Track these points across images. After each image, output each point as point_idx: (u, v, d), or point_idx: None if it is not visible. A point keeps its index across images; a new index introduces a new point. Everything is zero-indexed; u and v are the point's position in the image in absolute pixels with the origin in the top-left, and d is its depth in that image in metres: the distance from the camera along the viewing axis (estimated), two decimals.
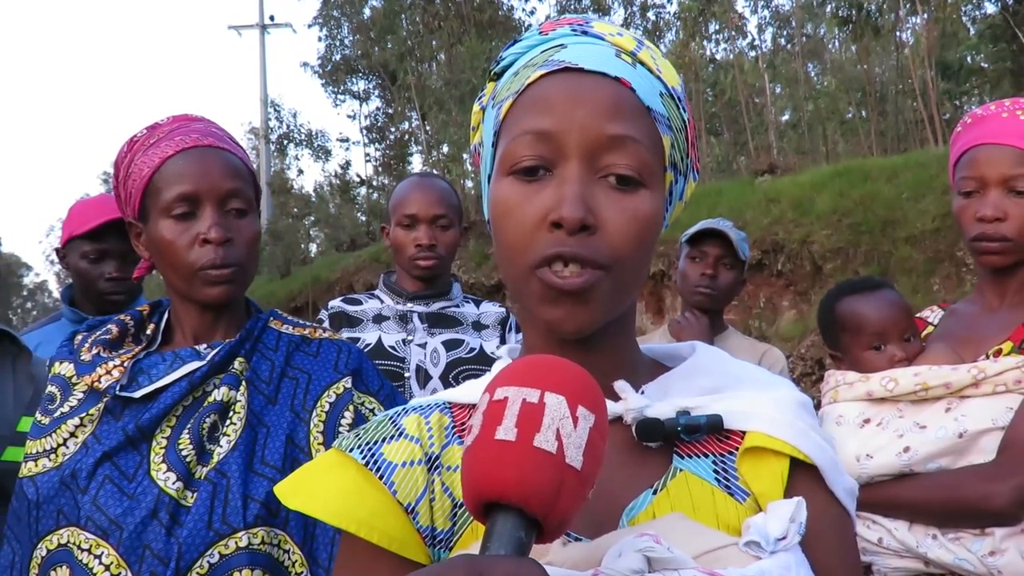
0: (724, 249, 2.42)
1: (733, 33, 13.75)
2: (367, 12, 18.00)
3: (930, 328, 1.73)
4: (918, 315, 1.77)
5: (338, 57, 19.60)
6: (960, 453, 1.45)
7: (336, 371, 1.33)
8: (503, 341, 2.26)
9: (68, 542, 1.18)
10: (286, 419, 1.26)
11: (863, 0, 10.52)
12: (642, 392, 0.78)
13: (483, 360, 2.19)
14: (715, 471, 0.75)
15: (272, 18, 22.01)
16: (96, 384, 1.26)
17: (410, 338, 2.21)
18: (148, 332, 1.36)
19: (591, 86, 0.73)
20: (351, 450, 0.77)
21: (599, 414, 0.61)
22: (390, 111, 18.91)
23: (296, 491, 0.77)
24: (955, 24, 11.36)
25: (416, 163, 18.34)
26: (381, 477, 0.75)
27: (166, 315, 1.38)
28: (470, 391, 0.82)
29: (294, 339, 1.37)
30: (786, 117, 15.41)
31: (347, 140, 20.40)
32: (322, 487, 0.77)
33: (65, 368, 1.32)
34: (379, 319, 2.26)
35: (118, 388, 1.25)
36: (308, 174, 45.81)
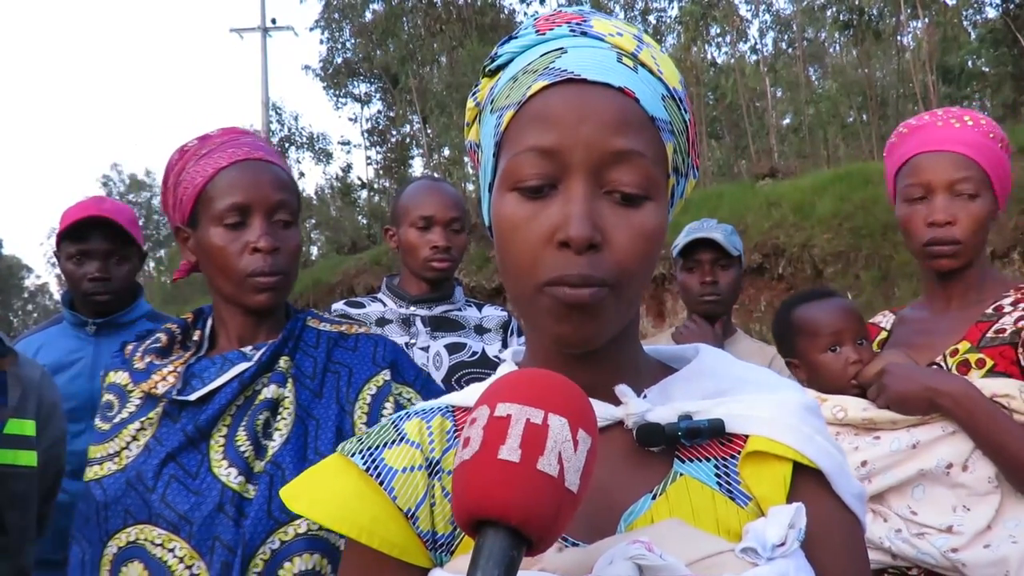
0: (716, 251, 2.42)
1: (734, 37, 13.78)
2: (368, 15, 18.05)
3: (883, 334, 1.76)
4: (871, 321, 1.80)
5: (339, 60, 19.66)
6: (913, 461, 1.48)
7: (375, 364, 1.40)
8: (505, 345, 2.25)
9: (139, 539, 1.24)
10: (333, 411, 1.33)
11: (864, 4, 10.54)
12: (644, 396, 0.77)
13: (485, 364, 2.19)
14: (717, 475, 0.74)
15: (274, 21, 22.00)
16: (153, 390, 1.33)
17: (413, 341, 2.21)
18: (195, 338, 1.43)
19: (595, 99, 0.71)
20: (353, 455, 0.77)
21: (594, 437, 0.61)
22: (391, 114, 18.95)
23: (300, 495, 0.77)
24: (956, 28, 11.38)
25: (417, 166, 18.39)
26: (381, 483, 0.75)
27: (209, 321, 1.45)
28: (474, 394, 0.81)
29: (332, 336, 1.44)
30: (787, 121, 15.43)
31: (348, 143, 20.48)
32: (325, 492, 0.77)
33: (120, 377, 1.40)
34: (382, 322, 2.25)
35: (175, 393, 1.32)
36: (309, 177, 45.66)
